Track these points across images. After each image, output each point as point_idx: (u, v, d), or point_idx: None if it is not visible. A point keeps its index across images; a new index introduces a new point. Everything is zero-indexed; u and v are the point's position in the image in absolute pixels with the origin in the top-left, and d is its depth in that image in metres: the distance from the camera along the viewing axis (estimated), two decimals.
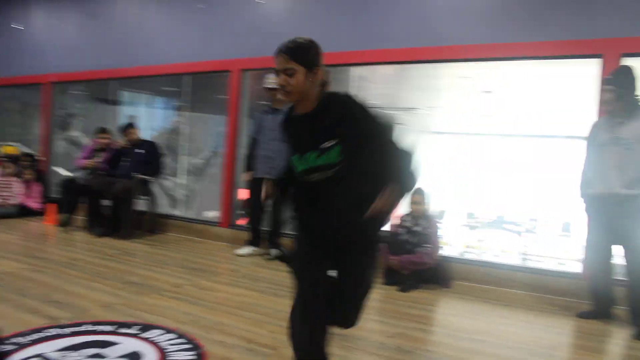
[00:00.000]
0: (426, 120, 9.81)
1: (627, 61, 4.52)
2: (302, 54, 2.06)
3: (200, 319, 3.53)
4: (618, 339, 3.90)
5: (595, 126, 4.26)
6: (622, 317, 4.11)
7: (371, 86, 6.63)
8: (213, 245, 6.52)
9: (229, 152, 6.72)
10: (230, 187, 6.71)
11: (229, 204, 6.73)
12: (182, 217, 7.46)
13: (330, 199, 2.15)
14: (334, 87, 2.21)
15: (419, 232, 5.07)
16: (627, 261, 4.02)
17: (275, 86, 5.73)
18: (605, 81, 4.04)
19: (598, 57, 4.71)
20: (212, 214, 7.39)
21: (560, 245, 10.33)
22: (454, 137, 11.45)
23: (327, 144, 2.07)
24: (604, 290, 4.21)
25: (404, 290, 4.77)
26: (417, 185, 5.11)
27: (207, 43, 6.89)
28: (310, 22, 6.18)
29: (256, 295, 4.32)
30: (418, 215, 5.13)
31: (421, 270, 4.94)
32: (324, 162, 2.10)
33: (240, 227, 6.59)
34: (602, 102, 4.03)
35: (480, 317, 4.17)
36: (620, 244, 4.05)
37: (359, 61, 5.96)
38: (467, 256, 7.78)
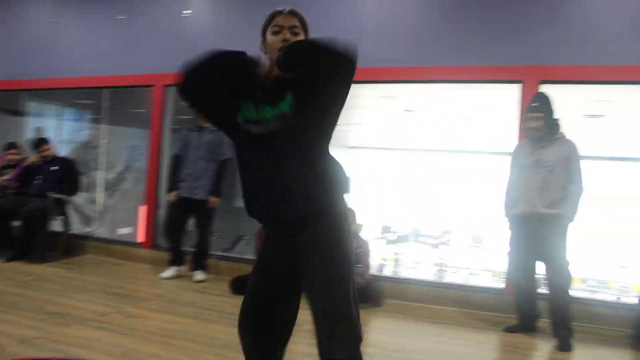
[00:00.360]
0: (345, 135, 10.01)
1: (544, 87, 4.81)
2: (305, 22, 2.05)
3: (132, 351, 3.35)
4: (543, 351, 4.10)
5: (518, 149, 4.49)
6: (545, 330, 4.33)
7: None
8: (135, 268, 6.21)
9: (151, 169, 6.47)
10: (152, 207, 6.45)
11: (152, 224, 6.46)
12: (100, 238, 7.08)
13: (281, 155, 1.93)
14: None
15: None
16: (549, 277, 4.24)
17: None
18: (533, 109, 4.25)
19: (518, 83, 4.97)
20: (127, 231, 7.07)
21: (472, 257, 10.81)
22: (372, 152, 11.76)
23: (283, 95, 1.95)
24: (528, 305, 4.41)
25: None
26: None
27: (129, 56, 6.62)
28: (236, 39, 6.05)
29: (188, 322, 4.16)
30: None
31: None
32: (277, 112, 1.94)
33: (163, 248, 6.33)
34: (531, 129, 4.23)
35: (416, 336, 4.24)
36: (542, 261, 4.27)
37: None
38: (385, 271, 7.95)
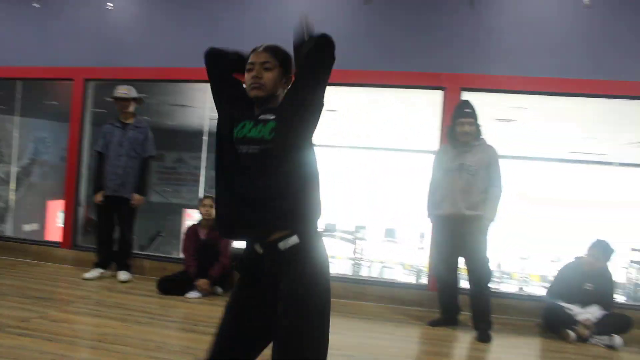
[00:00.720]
0: None
1: (465, 94, 5.10)
2: (283, 55, 2.06)
3: (61, 358, 3.24)
4: (465, 342, 4.37)
5: (441, 152, 4.73)
6: (466, 323, 4.61)
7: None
8: (54, 269, 5.92)
9: (70, 165, 6.19)
10: (72, 205, 6.19)
11: (71, 223, 6.19)
12: (14, 238, 6.69)
13: (253, 179, 1.93)
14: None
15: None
16: (471, 273, 4.52)
17: (126, 96, 5.45)
18: (467, 114, 4.46)
19: (441, 89, 5.23)
20: (32, 228, 6.74)
21: (385, 250, 11.19)
22: None
23: (266, 117, 1.97)
24: (451, 300, 4.68)
25: None
26: None
27: (46, 47, 6.28)
28: (159, 34, 5.98)
29: (118, 324, 4.06)
30: None
31: None
32: (256, 135, 1.95)
33: (84, 248, 6.11)
34: (465, 133, 4.43)
35: (347, 332, 4.37)
36: (465, 258, 4.54)
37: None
38: None
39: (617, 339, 4.37)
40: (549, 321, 4.64)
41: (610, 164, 11.12)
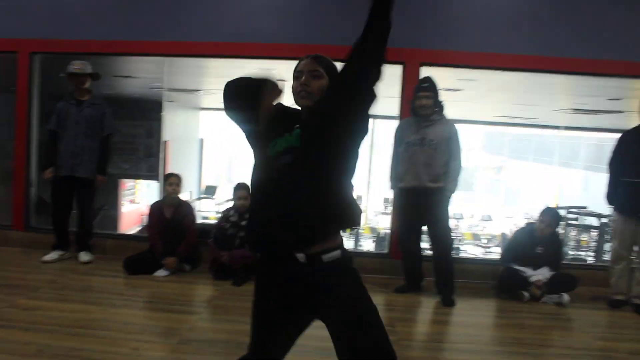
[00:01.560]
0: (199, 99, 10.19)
1: (425, 69, 5.26)
2: (331, 65, 2.05)
3: (46, 348, 3.22)
4: (430, 307, 4.65)
5: (403, 126, 4.89)
6: (430, 289, 4.88)
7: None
8: (8, 253, 5.71)
9: (19, 144, 5.92)
10: (23, 185, 5.95)
11: (23, 204, 5.97)
12: None
13: (290, 189, 1.92)
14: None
15: (244, 225, 5.21)
16: (434, 242, 4.77)
17: (81, 72, 5.26)
18: (424, 88, 4.62)
19: (401, 64, 5.36)
20: None
21: None
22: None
23: (294, 128, 1.98)
24: (415, 267, 4.93)
25: (237, 284, 4.90)
26: (241, 182, 5.28)
27: None
28: (112, 10, 5.74)
29: (93, 308, 4.05)
30: (243, 210, 5.26)
31: (251, 262, 5.11)
32: (286, 145, 1.95)
33: (38, 230, 5.92)
34: (422, 106, 4.59)
35: None
36: (428, 228, 4.78)
37: (155, 51, 5.77)
38: None
39: (565, 297, 4.78)
40: (504, 283, 4.98)
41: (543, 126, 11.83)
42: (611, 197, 4.87)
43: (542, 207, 5.10)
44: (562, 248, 5.11)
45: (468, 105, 8.48)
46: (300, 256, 1.94)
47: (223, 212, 5.44)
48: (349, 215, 1.99)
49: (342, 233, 2.04)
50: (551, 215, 5.00)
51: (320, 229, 1.94)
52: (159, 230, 5.25)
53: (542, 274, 4.85)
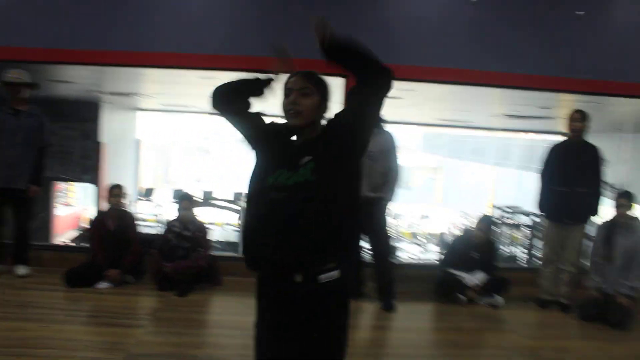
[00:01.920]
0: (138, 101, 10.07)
1: None
2: (322, 82, 2.03)
3: None
4: (371, 312, 4.80)
5: None
6: (371, 294, 5.03)
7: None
8: None
9: None
10: None
11: None
12: None
13: (293, 221, 1.88)
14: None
15: (189, 236, 5.22)
16: (374, 249, 4.93)
17: (18, 81, 5.12)
18: None
19: (343, 77, 5.49)
20: None
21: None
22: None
23: (304, 160, 1.92)
24: (356, 274, 5.07)
25: (181, 294, 4.90)
26: (185, 191, 5.27)
27: None
28: (50, 18, 5.55)
29: (33, 326, 3.95)
30: (186, 220, 5.27)
31: (194, 272, 5.12)
32: (297, 180, 1.90)
33: None
34: None
35: (248, 311, 4.61)
36: (367, 236, 4.93)
37: (95, 61, 5.65)
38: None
39: (499, 299, 5.05)
40: (442, 288, 5.20)
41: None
42: (542, 205, 5.17)
43: (479, 215, 5.37)
44: (496, 253, 5.39)
45: (407, 109, 8.75)
46: (298, 276, 1.93)
47: (167, 223, 5.44)
48: (350, 236, 2.00)
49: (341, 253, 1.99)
50: (486, 223, 5.27)
51: (321, 250, 1.91)
52: (102, 241, 5.18)
53: (477, 278, 5.10)
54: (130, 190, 11.93)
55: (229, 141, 21.74)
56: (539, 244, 8.84)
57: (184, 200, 5.27)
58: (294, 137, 2.04)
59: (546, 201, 5.14)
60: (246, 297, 4.72)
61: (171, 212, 10.20)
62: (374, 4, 5.59)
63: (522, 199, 11.79)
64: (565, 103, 6.91)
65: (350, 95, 2.00)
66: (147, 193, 13.06)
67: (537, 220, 9.41)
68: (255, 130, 2.10)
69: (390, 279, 4.90)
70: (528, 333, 4.51)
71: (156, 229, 8.61)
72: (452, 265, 5.21)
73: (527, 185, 14.61)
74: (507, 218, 11.16)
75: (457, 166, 24.59)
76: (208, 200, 11.87)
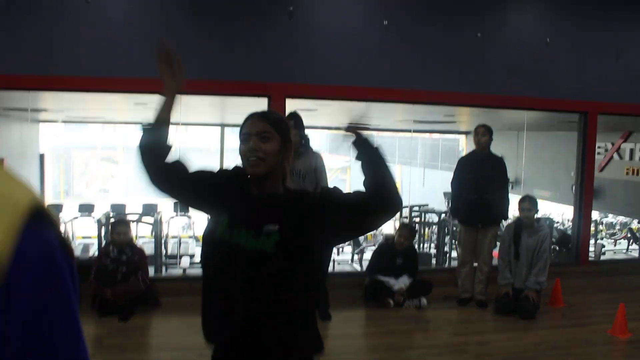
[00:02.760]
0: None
1: (289, 101, 5.70)
2: (280, 122, 1.84)
3: None
4: None
5: None
6: None
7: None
8: None
9: None
10: None
11: None
12: None
13: (251, 299, 1.71)
14: None
15: (125, 260, 5.24)
16: None
17: None
18: (291, 125, 5.00)
19: (266, 97, 5.75)
20: None
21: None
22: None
23: (270, 227, 1.70)
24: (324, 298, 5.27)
25: (124, 318, 4.93)
26: (120, 217, 5.31)
27: None
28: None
29: None
30: (122, 244, 5.29)
31: (134, 296, 5.16)
32: (255, 246, 1.70)
33: None
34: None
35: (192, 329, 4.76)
36: None
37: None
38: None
39: (424, 301, 5.50)
40: (370, 293, 5.57)
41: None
42: (454, 211, 5.69)
43: (400, 223, 5.81)
44: (417, 258, 5.85)
45: (317, 115, 9.14)
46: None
47: (101, 248, 5.42)
48: (309, 318, 1.86)
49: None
50: (408, 230, 5.72)
51: (285, 342, 1.77)
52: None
53: (402, 282, 5.52)
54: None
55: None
56: (447, 240, 9.45)
57: (119, 225, 5.28)
58: (252, 186, 1.85)
59: (459, 207, 5.66)
60: (186, 317, 4.91)
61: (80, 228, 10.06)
62: (287, 24, 5.84)
63: (428, 197, 12.44)
64: (465, 111, 7.59)
65: (354, 200, 1.82)
66: (55, 209, 12.52)
67: (445, 217, 9.93)
68: (206, 188, 1.89)
69: (325, 289, 5.18)
70: (453, 330, 4.99)
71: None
72: (378, 272, 5.60)
73: (432, 183, 15.49)
74: (417, 216, 11.71)
75: None
76: (119, 214, 11.57)
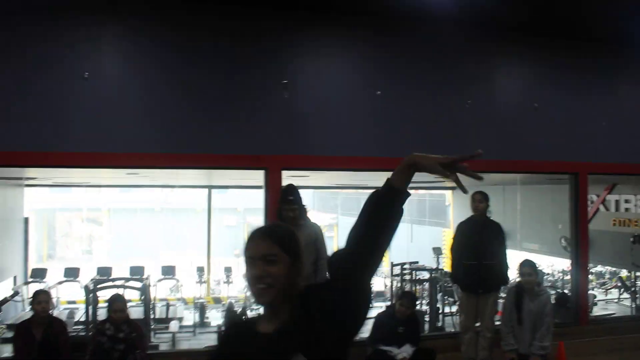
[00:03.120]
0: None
1: (285, 173, 5.76)
2: (288, 239, 1.65)
3: None
4: None
5: None
6: None
7: None
8: None
9: None
10: None
11: None
12: None
13: None
14: None
15: (122, 338, 5.12)
16: None
17: None
18: (291, 202, 4.96)
19: (264, 169, 5.80)
20: None
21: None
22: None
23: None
24: None
25: None
26: (117, 292, 5.23)
27: None
28: None
29: None
30: (119, 321, 5.17)
31: None
32: None
33: None
34: (289, 217, 4.95)
35: None
36: None
37: None
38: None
39: None
40: None
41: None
42: (455, 277, 5.71)
43: (402, 291, 5.78)
44: (420, 326, 5.81)
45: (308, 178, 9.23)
46: None
47: (97, 325, 5.30)
48: None
49: None
50: (410, 298, 5.69)
51: None
52: (28, 352, 4.94)
53: (405, 351, 5.45)
54: (18, 272, 11.21)
55: (122, 212, 21.04)
56: (439, 297, 9.33)
57: (116, 302, 5.18)
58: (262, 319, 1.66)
59: (459, 274, 5.67)
60: None
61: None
62: (282, 97, 5.95)
63: (417, 252, 12.39)
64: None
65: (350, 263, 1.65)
66: (39, 274, 12.23)
67: (436, 275, 9.77)
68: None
69: None
70: None
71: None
72: (380, 341, 5.53)
73: (420, 238, 15.51)
74: (408, 274, 11.56)
75: (351, 222, 25.34)
76: (105, 278, 11.32)
